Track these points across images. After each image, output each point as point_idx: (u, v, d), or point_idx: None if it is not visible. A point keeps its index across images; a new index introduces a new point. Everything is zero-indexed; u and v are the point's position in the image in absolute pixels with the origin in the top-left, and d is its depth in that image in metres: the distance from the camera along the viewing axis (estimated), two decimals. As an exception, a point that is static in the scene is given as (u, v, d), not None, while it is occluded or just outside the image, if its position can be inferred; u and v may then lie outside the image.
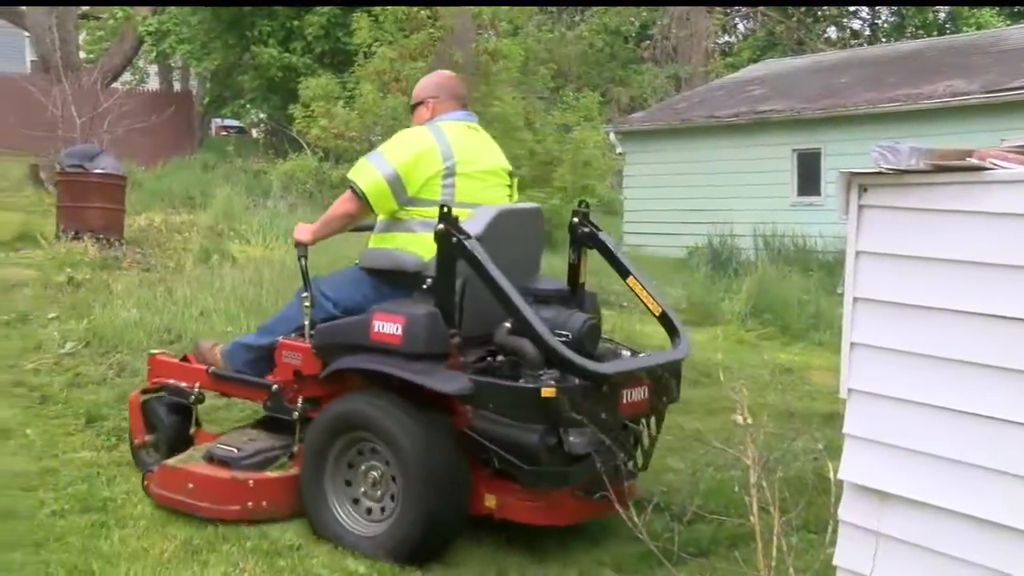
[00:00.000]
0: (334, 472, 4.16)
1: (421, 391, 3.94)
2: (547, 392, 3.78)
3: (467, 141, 4.43)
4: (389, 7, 16.53)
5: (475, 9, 16.38)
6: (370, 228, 4.54)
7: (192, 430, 4.77)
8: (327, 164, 17.39)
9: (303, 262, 4.44)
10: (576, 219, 4.62)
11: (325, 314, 4.36)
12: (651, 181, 17.38)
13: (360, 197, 4.27)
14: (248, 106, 25.47)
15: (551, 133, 16.84)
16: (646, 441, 4.39)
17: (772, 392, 6.54)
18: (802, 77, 18.05)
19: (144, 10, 24.92)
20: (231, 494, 4.21)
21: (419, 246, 4.18)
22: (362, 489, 4.14)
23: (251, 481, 4.24)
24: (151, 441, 4.81)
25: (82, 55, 26.65)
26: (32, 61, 28.23)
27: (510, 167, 4.69)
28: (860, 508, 3.05)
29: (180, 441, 4.70)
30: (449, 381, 3.94)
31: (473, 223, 4.10)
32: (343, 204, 4.37)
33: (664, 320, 4.53)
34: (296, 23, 21.93)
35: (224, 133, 30.89)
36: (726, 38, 34.04)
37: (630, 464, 4.22)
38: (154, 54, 29.47)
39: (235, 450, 4.37)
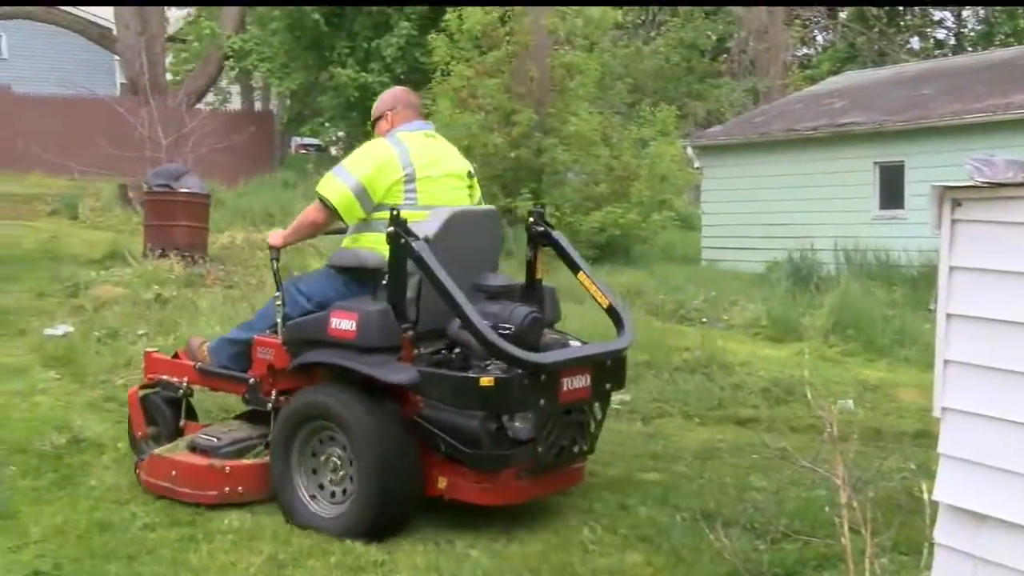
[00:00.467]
0: (300, 459, 4.46)
1: (374, 382, 4.24)
2: (485, 381, 4.11)
3: (425, 148, 4.76)
4: (465, 25, 16.63)
5: (551, 24, 16.43)
6: (343, 232, 4.83)
7: (183, 422, 5.06)
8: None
9: (275, 264, 4.79)
10: (532, 219, 4.94)
11: (301, 310, 4.64)
12: (729, 195, 17.19)
13: (329, 208, 4.60)
14: (327, 124, 25.87)
15: (628, 148, 16.80)
16: (592, 426, 4.65)
17: (859, 409, 6.41)
18: (884, 88, 17.71)
19: (229, 25, 25.51)
20: (209, 480, 4.53)
21: (382, 245, 4.42)
22: (327, 476, 4.42)
23: (227, 468, 4.56)
24: (151, 433, 5.06)
25: (168, 77, 27.35)
26: (121, 84, 29.07)
27: (470, 168, 4.99)
28: (956, 530, 2.97)
29: (174, 433, 5.00)
30: (398, 372, 4.26)
31: (428, 224, 4.42)
32: (312, 213, 4.72)
33: (611, 312, 4.80)
34: (374, 44, 22.22)
35: (303, 151, 31.39)
36: (804, 50, 33.61)
37: (575, 448, 4.52)
38: (236, 71, 30.16)
39: (215, 439, 4.70)
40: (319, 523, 4.34)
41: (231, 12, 26.48)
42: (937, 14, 31.54)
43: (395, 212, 4.31)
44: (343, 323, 4.34)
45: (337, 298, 4.52)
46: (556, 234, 4.92)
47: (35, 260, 11.12)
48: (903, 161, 14.77)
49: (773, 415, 6.63)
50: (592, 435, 4.66)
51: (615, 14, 19.41)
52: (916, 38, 31.83)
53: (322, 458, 4.43)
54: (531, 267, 4.88)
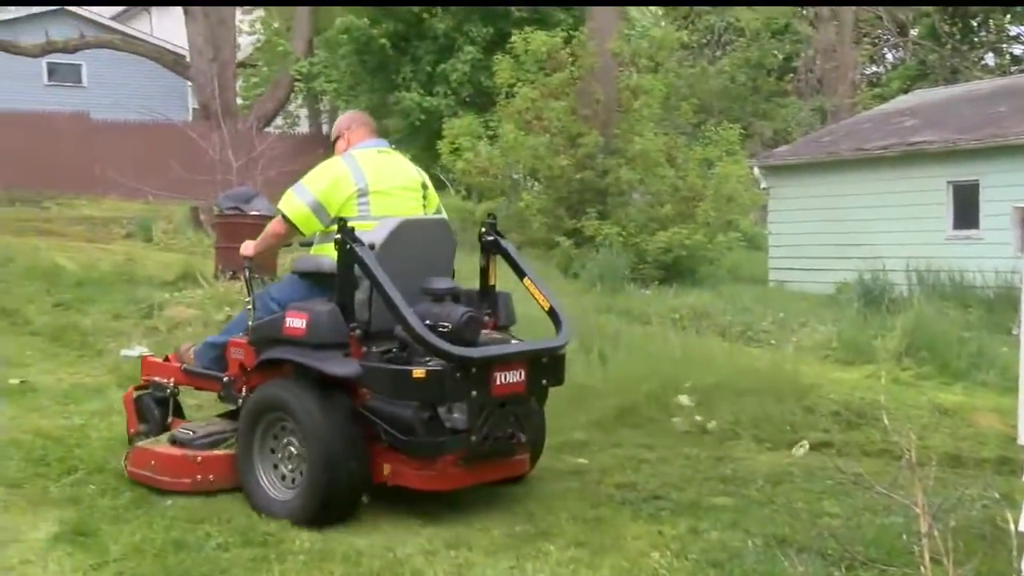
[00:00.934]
0: (260, 448, 4.83)
1: (321, 375, 4.63)
2: (418, 373, 4.49)
3: (378, 164, 5.18)
4: (531, 47, 16.71)
5: (616, 47, 16.44)
6: (311, 244, 5.27)
7: (170, 420, 5.47)
8: (470, 202, 17.67)
9: (247, 272, 5.27)
10: (484, 229, 5.31)
11: (270, 313, 5.01)
12: (797, 216, 17.00)
13: (288, 222, 5.03)
14: (393, 146, 26.12)
15: (694, 168, 16.71)
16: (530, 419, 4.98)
17: (936, 435, 6.27)
18: (956, 107, 17.40)
19: (298, 48, 26.03)
20: (183, 469, 4.95)
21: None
22: (285, 463, 4.79)
23: (199, 458, 4.97)
24: (143, 430, 5.47)
25: (239, 102, 27.89)
26: (194, 109, 29.70)
27: (424, 180, 5.40)
28: (1043, 562, 2.88)
29: (162, 429, 5.39)
30: (342, 366, 4.66)
31: (376, 233, 4.83)
32: (274, 226, 5.18)
33: (551, 314, 5.16)
34: (440, 67, 22.43)
35: (371, 173, 31.75)
36: (873, 69, 33.17)
37: (513, 440, 4.81)
38: (304, 95, 30.65)
39: (191, 432, 5.14)
40: (275, 507, 4.68)
41: (300, 35, 26.99)
42: (1014, 29, 30.89)
43: (343, 221, 4.72)
44: (295, 322, 4.74)
45: (301, 301, 4.92)
46: (504, 242, 5.29)
47: (111, 282, 11.37)
48: (978, 180, 14.48)
49: (846, 439, 6.51)
50: (535, 427, 5.07)
51: (679, 34, 19.38)
52: (991, 54, 31.21)
53: (280, 447, 4.79)
54: (484, 273, 5.29)
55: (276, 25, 34.83)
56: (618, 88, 16.67)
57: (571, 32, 17.02)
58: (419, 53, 22.89)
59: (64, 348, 8.10)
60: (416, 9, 22.01)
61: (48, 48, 26.07)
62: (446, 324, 4.61)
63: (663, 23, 24.63)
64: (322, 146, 25.32)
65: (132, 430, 5.54)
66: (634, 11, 23.52)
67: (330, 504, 4.61)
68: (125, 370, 7.54)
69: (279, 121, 31.06)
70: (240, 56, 29.87)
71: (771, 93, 27.30)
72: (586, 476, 5.56)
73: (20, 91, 26.53)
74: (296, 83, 27.25)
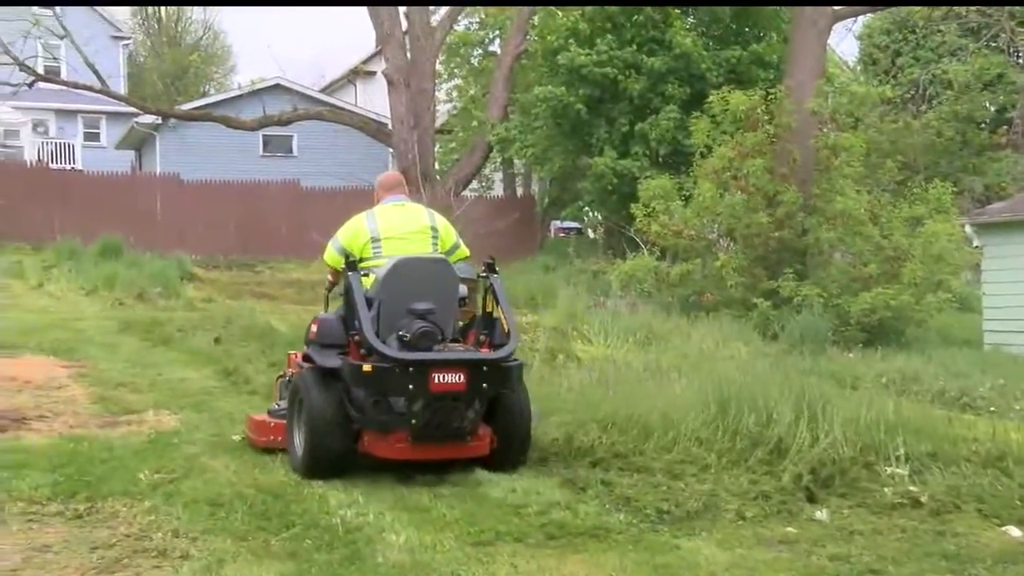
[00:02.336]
0: (297, 419, 6.37)
1: (318, 366, 6.32)
2: (366, 368, 5.98)
3: (391, 215, 6.77)
4: (729, 107, 16.61)
5: (814, 105, 16.12)
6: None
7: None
8: (664, 263, 17.58)
9: (328, 294, 7.17)
10: (484, 268, 6.63)
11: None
12: (1014, 275, 16.00)
13: (329, 267, 6.85)
14: (586, 208, 26.38)
15: (898, 227, 16.09)
16: (471, 414, 6.21)
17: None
18: None
19: (494, 114, 26.83)
20: (264, 431, 6.86)
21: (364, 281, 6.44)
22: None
23: (272, 423, 6.80)
24: (279, 404, 6.97)
25: (436, 166, 28.93)
26: (394, 174, 30.96)
27: (434, 224, 6.77)
28: None
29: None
30: (329, 360, 6.26)
31: (382, 268, 6.36)
32: (328, 271, 6.97)
33: (507, 335, 6.36)
34: (637, 127, 22.55)
35: (563, 234, 32.10)
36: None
37: (455, 427, 6.15)
38: (500, 160, 31.44)
39: (276, 407, 6.95)
40: (296, 463, 6.30)
41: (496, 101, 27.78)
42: None
43: (350, 259, 6.39)
44: (313, 327, 6.54)
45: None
46: (493, 278, 6.53)
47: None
48: None
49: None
50: (472, 420, 6.22)
51: (881, 89, 18.83)
52: None
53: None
54: (484, 303, 6.62)
55: (472, 92, 36.05)
56: (817, 146, 16.30)
57: (769, 91, 16.82)
58: (614, 114, 23.12)
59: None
60: (611, 72, 22.29)
61: (264, 122, 27.88)
62: (406, 334, 5.99)
63: (861, 78, 24.00)
64: (517, 209, 26.05)
65: (274, 404, 7.19)
66: (834, 67, 23.01)
67: (316, 465, 6.14)
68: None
69: (474, 184, 31.98)
70: (438, 123, 31.06)
71: (982, 147, 25.97)
72: (796, 546, 5.35)
73: (238, 162, 28.42)
74: (491, 148, 28.03)
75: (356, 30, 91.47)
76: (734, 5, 22.91)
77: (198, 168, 27.42)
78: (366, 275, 6.45)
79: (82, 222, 23.41)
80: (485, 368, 6.15)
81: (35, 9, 26.44)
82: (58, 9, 27.26)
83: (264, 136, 31.01)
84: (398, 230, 6.60)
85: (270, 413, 7.00)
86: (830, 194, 15.84)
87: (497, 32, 33.95)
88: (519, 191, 36.45)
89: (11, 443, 6.95)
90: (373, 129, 29.31)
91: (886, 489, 6.49)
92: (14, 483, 5.77)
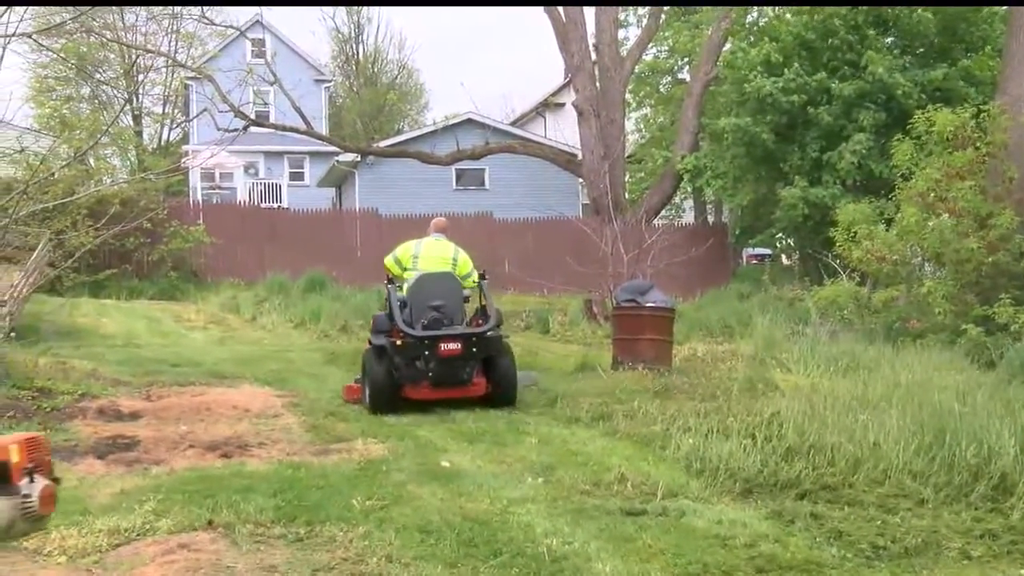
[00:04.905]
0: (364, 378, 10.13)
1: (373, 344, 10.16)
2: (399, 343, 9.74)
3: (430, 245, 10.66)
4: (935, 127, 15.86)
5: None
6: None
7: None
8: (865, 289, 16.93)
9: (388, 288, 10.40)
10: (481, 273, 10.63)
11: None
12: None
13: (387, 270, 10.66)
14: (778, 235, 25.80)
15: None
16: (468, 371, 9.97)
17: None
18: None
19: (684, 147, 26.68)
20: (352, 392, 10.41)
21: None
22: None
23: (356, 387, 10.35)
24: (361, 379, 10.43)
25: (626, 196, 28.91)
26: (584, 204, 31.17)
27: (454, 255, 10.59)
28: None
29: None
30: (380, 340, 10.00)
31: (410, 280, 10.29)
32: (385, 270, 10.75)
33: (493, 318, 10.17)
34: (827, 155, 21.93)
35: (755, 262, 31.45)
36: None
37: (460, 376, 9.88)
38: (690, 189, 31.12)
39: (358, 377, 10.46)
40: (365, 404, 9.94)
41: (687, 129, 27.60)
42: None
43: (391, 278, 10.48)
44: (373, 319, 10.66)
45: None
46: (482, 283, 10.59)
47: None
48: None
49: None
50: (468, 373, 9.96)
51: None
52: None
53: None
54: (480, 298, 10.54)
55: (661, 120, 35.91)
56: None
57: (980, 107, 15.98)
58: (805, 141, 22.57)
59: (479, 436, 8.63)
60: (799, 99, 21.84)
61: (457, 156, 28.63)
62: (424, 320, 9.83)
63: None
64: (709, 237, 25.68)
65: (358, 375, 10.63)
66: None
67: (376, 405, 9.72)
68: (533, 459, 7.81)
69: (664, 212, 31.78)
70: (627, 151, 31.06)
71: None
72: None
73: (433, 196, 29.25)
74: (681, 178, 27.83)
75: (544, 63, 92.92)
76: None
77: (394, 203, 28.37)
78: (400, 288, 10.34)
79: (289, 257, 24.67)
80: (474, 339, 9.86)
81: (248, 58, 28.15)
82: (269, 56, 28.93)
83: (457, 170, 31.80)
84: (430, 254, 10.51)
85: (356, 381, 10.41)
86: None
87: (687, 59, 33.76)
88: (710, 219, 35.98)
89: (237, 468, 7.39)
90: (564, 160, 29.62)
91: None
92: (242, 506, 6.12)
